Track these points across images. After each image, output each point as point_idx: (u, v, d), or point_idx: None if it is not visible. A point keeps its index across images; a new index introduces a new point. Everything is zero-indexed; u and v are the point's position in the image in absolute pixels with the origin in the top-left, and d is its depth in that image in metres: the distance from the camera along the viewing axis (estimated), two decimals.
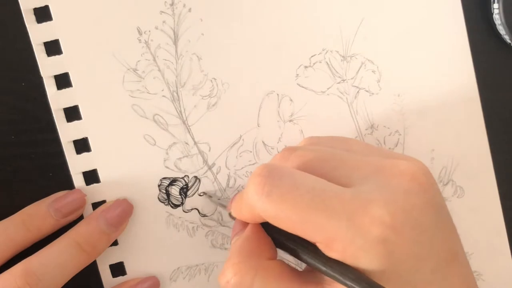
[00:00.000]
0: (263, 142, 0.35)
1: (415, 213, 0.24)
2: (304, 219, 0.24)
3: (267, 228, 0.28)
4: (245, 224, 0.29)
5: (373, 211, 0.23)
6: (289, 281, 0.26)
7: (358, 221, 0.23)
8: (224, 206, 0.33)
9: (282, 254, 0.29)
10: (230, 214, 0.30)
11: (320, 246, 0.24)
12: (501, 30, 0.35)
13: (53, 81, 0.33)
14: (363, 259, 0.23)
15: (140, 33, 0.33)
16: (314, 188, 0.24)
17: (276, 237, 0.27)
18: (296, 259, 0.27)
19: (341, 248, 0.24)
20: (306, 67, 0.34)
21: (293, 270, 0.27)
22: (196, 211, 0.34)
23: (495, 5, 0.34)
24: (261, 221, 0.27)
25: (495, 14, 0.34)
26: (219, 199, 0.34)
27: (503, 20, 0.34)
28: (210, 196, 0.34)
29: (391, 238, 0.23)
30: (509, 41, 0.35)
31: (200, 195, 0.34)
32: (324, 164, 0.26)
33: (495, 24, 0.35)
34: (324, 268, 0.24)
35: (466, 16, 0.35)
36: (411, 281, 0.24)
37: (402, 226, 0.23)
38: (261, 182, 0.24)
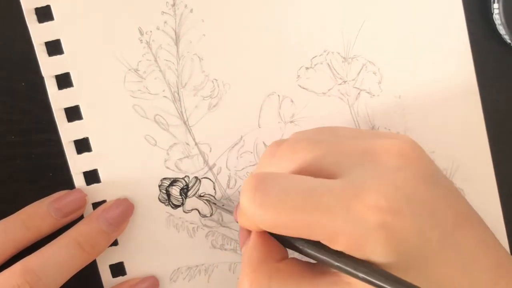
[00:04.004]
0: (264, 143, 0.35)
1: (409, 188, 0.24)
2: (302, 222, 0.24)
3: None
4: (250, 230, 0.28)
5: (367, 197, 0.23)
6: (303, 278, 0.26)
7: (354, 211, 0.23)
8: (229, 212, 0.33)
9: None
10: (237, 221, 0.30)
11: (325, 242, 0.24)
12: (501, 30, 0.35)
13: (54, 81, 0.33)
14: (368, 247, 0.23)
15: (141, 33, 0.33)
16: (304, 189, 0.24)
17: (283, 238, 0.27)
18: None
19: (344, 241, 0.23)
20: (307, 68, 0.34)
21: (306, 265, 0.27)
22: (197, 211, 0.34)
23: (495, 5, 0.34)
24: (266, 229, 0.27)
25: (495, 14, 0.34)
26: (223, 205, 0.34)
27: (503, 20, 0.34)
28: (214, 203, 0.34)
29: (390, 220, 0.23)
30: (509, 41, 0.35)
31: (201, 196, 0.34)
32: (311, 154, 0.26)
33: (495, 24, 0.35)
34: (336, 264, 0.24)
35: (466, 16, 0.35)
36: (420, 255, 0.24)
37: (398, 204, 0.23)
38: (251, 194, 0.24)
